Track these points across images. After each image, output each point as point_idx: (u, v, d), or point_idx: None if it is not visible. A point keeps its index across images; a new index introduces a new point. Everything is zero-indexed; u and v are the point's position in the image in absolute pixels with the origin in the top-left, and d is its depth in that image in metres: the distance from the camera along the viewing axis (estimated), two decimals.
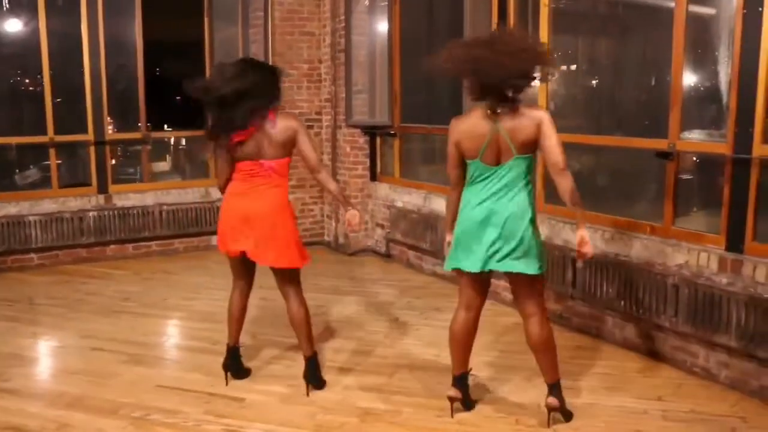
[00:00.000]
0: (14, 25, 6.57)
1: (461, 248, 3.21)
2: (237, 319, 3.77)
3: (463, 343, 3.34)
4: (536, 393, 3.54)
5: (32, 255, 6.46)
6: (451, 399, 3.35)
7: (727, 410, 3.46)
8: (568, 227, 4.64)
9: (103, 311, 5.20)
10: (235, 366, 3.83)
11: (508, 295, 4.77)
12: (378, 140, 6.82)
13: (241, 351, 3.88)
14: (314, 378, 3.68)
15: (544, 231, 4.31)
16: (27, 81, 6.79)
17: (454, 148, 3.21)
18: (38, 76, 6.40)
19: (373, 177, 6.88)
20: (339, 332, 4.63)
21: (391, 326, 4.79)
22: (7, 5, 6.49)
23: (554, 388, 3.25)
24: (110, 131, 6.78)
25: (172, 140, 8.37)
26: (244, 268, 3.68)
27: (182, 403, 3.60)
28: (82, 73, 6.51)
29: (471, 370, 3.43)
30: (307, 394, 3.64)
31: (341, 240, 7.04)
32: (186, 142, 8.11)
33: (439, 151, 6.27)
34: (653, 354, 4.11)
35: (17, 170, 6.85)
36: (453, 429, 3.29)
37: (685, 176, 4.17)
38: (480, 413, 3.43)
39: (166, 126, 8.27)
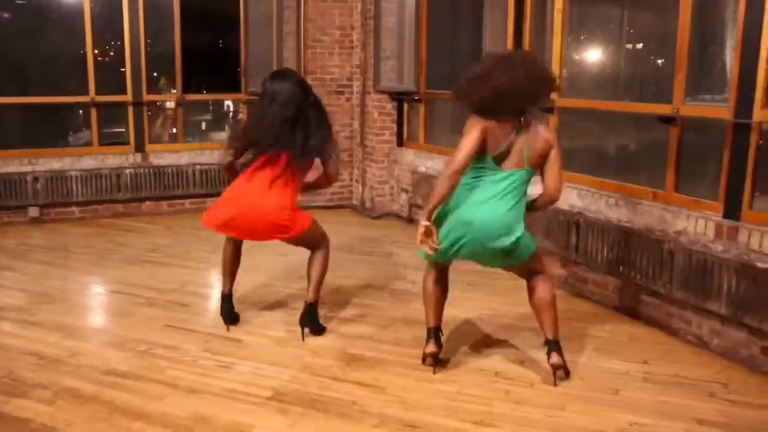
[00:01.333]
0: None
1: (453, 235, 3.20)
2: (233, 268, 4.00)
3: (440, 298, 3.47)
4: (513, 350, 3.66)
5: (73, 208, 6.82)
6: (432, 354, 3.43)
7: (711, 376, 3.47)
8: (574, 192, 4.66)
9: (130, 260, 5.49)
10: (229, 311, 4.02)
11: None
12: (405, 106, 6.90)
13: (234, 298, 4.07)
14: (311, 321, 3.85)
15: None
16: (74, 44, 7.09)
17: (480, 135, 3.16)
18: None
19: (400, 143, 6.97)
20: (346, 288, 4.78)
21: (398, 285, 4.91)
22: None
23: (555, 345, 3.31)
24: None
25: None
26: None
27: (184, 341, 3.82)
28: (122, 37, 6.79)
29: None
30: (302, 339, 3.81)
31: (367, 204, 7.17)
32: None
33: (461, 118, 6.31)
34: (648, 320, 4.12)
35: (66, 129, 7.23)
36: (430, 378, 3.39)
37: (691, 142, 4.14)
38: (458, 367, 3.53)
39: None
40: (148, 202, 7.05)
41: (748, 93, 3.57)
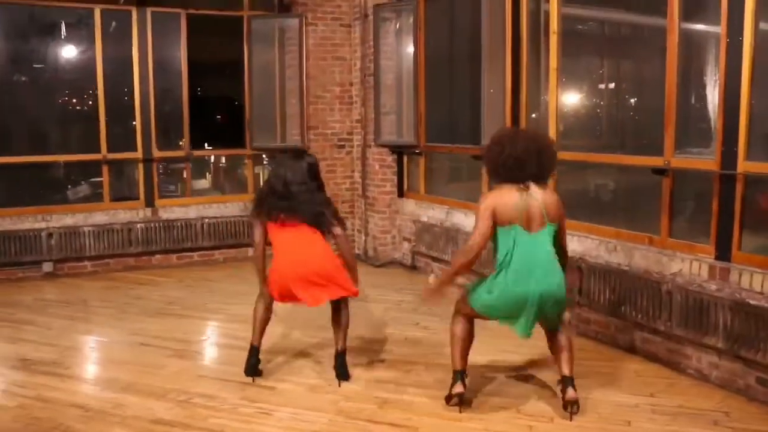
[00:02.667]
0: (71, 52, 7.22)
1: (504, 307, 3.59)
2: (264, 324, 4.28)
3: (467, 342, 3.77)
4: (529, 388, 3.94)
5: (86, 263, 7.04)
6: (459, 395, 3.71)
7: (713, 406, 3.78)
8: (575, 239, 5.00)
9: (150, 312, 5.72)
10: (255, 365, 4.25)
11: None
12: (405, 159, 7.26)
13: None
14: (343, 368, 4.15)
15: None
16: (82, 103, 7.41)
17: (490, 215, 3.55)
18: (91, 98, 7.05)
19: (401, 193, 7.31)
20: (363, 333, 5.05)
21: (412, 331, 5.19)
22: (65, 33, 7.13)
23: (571, 381, 3.62)
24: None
25: (212, 158, 8.92)
26: None
27: (221, 390, 4.05)
28: (132, 96, 7.12)
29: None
30: (339, 385, 4.08)
31: (370, 253, 7.47)
32: (225, 160, 8.66)
33: (460, 169, 6.71)
34: (650, 356, 4.44)
35: (69, 186, 7.49)
36: (461, 417, 3.66)
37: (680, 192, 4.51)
38: (482, 406, 3.81)
39: (206, 145, 8.84)
40: (158, 255, 7.29)
41: (732, 146, 3.96)
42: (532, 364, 4.36)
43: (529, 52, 5.54)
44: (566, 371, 3.64)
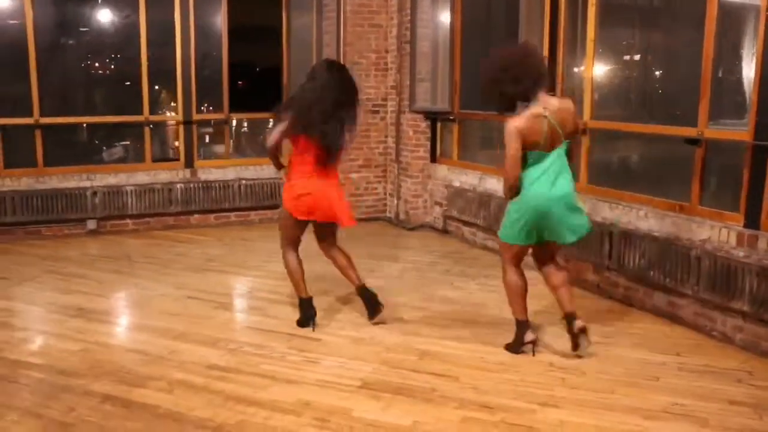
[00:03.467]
0: (112, 16, 7.43)
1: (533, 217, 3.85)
2: (303, 274, 4.52)
3: (524, 290, 4.06)
4: (563, 343, 4.11)
5: (128, 221, 7.32)
6: (532, 342, 4.04)
7: (737, 366, 3.97)
8: (606, 205, 5.16)
9: (192, 268, 5.99)
10: (314, 314, 4.49)
11: None
12: (438, 125, 7.41)
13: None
14: (374, 298, 4.49)
15: (586, 208, 4.89)
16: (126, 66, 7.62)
17: (519, 143, 3.74)
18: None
19: (433, 159, 7.48)
20: (400, 291, 5.27)
21: (445, 289, 5.41)
22: None
23: (575, 317, 3.93)
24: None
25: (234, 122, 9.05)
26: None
27: (268, 340, 4.31)
28: (174, 60, 7.32)
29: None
30: (373, 321, 4.50)
31: (402, 216, 7.68)
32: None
33: (492, 137, 6.85)
34: (677, 319, 4.62)
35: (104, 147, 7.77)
36: (495, 368, 3.89)
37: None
38: (516, 359, 4.03)
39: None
40: (196, 215, 7.54)
41: (766, 118, 4.08)
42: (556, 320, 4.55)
43: (567, 21, 5.64)
44: (569, 308, 3.96)
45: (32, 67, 6.80)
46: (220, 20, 7.47)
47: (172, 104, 7.64)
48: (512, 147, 3.73)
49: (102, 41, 7.51)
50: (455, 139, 7.19)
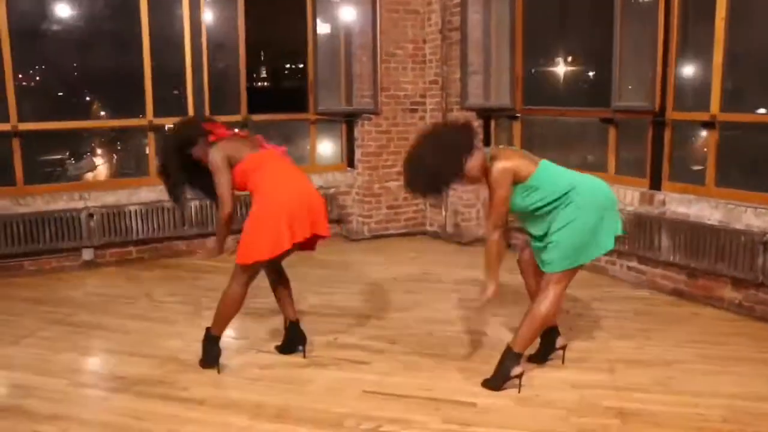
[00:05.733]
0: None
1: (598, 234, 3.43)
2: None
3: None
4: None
5: (131, 248, 6.10)
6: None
7: None
8: (750, 211, 4.39)
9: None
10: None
11: (667, 284, 4.90)
12: (492, 124, 6.49)
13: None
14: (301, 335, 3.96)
15: (719, 215, 4.58)
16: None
17: (510, 185, 3.39)
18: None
19: None
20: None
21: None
22: None
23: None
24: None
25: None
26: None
27: (407, 411, 3.26)
28: (183, 59, 6.15)
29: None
30: (304, 356, 3.89)
31: (449, 229, 6.70)
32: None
33: (563, 136, 6.02)
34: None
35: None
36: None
37: None
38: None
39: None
40: (213, 238, 6.32)
41: None
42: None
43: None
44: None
45: (6, 59, 5.49)
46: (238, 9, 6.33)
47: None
48: (505, 188, 3.38)
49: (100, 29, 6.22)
50: (518, 139, 6.27)
